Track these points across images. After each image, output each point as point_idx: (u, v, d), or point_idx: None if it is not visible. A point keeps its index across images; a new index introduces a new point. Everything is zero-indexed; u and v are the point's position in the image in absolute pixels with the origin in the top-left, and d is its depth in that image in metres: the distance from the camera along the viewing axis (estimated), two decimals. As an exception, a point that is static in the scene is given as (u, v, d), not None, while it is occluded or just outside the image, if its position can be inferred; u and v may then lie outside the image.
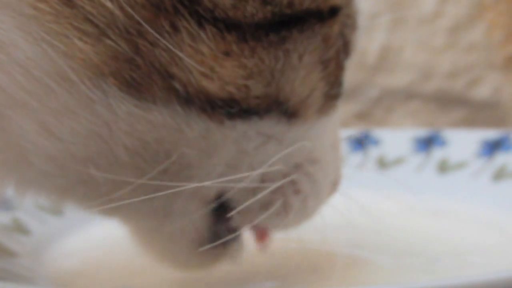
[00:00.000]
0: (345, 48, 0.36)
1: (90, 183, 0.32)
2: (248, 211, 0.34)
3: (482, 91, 0.86)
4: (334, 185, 0.38)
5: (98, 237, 0.47)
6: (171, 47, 0.29)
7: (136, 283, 0.41)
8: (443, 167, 0.61)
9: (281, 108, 0.33)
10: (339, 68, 0.35)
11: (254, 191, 0.34)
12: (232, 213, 0.34)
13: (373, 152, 0.65)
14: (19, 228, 0.49)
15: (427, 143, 0.64)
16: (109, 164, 0.32)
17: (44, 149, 0.31)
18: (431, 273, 0.41)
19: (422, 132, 0.65)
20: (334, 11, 0.33)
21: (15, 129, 0.31)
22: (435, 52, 0.86)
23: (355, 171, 0.62)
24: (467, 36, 0.85)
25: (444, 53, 0.85)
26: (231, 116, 0.31)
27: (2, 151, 0.32)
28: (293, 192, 0.35)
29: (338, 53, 0.35)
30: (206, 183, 0.33)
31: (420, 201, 0.55)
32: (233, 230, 0.36)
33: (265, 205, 0.35)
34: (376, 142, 0.65)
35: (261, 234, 0.39)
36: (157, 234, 0.36)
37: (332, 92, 0.35)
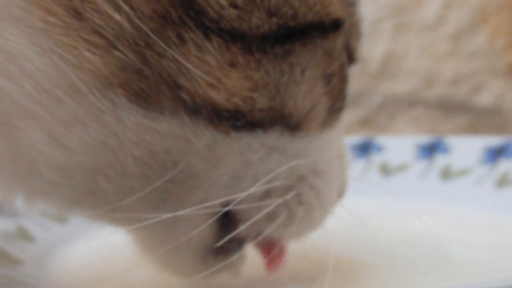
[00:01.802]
0: (350, 56, 0.36)
1: (98, 192, 0.33)
2: (253, 222, 0.35)
3: (485, 98, 0.86)
4: (340, 194, 0.38)
5: (102, 245, 0.47)
6: (178, 57, 0.30)
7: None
8: (446, 174, 0.61)
9: (285, 122, 0.33)
10: (343, 82, 0.35)
11: (259, 203, 0.34)
12: (239, 229, 0.35)
13: (376, 159, 0.65)
14: (24, 236, 0.49)
15: (430, 149, 0.64)
16: (117, 173, 0.32)
17: (53, 159, 0.31)
18: (434, 278, 0.41)
19: (425, 138, 0.65)
20: (337, 25, 0.34)
21: (25, 139, 0.31)
22: (438, 58, 0.86)
23: (358, 178, 0.62)
24: (469, 43, 0.85)
25: (447, 60, 0.85)
26: (237, 128, 0.32)
27: (11, 161, 0.32)
28: (297, 203, 0.35)
29: (342, 67, 0.35)
30: (209, 204, 0.33)
31: (423, 208, 0.55)
32: (238, 241, 0.36)
33: (270, 217, 0.35)
34: (379, 149, 0.66)
35: (273, 258, 0.38)
36: (162, 242, 0.36)
37: (336, 106, 0.35)
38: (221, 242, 0.35)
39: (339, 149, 0.38)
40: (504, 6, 0.85)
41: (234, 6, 0.30)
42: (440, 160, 0.62)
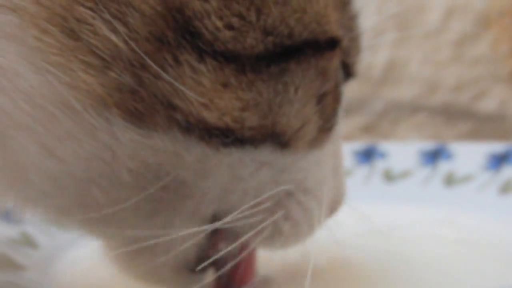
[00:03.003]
0: (348, 71, 0.36)
1: (90, 202, 0.33)
2: (238, 236, 0.35)
3: (488, 104, 0.86)
4: (334, 207, 0.38)
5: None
6: (172, 80, 0.30)
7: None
8: (450, 180, 0.61)
9: (276, 139, 0.33)
10: (336, 101, 0.36)
11: (247, 218, 0.34)
12: (224, 251, 0.35)
13: (380, 165, 0.65)
14: (27, 242, 0.49)
15: (434, 156, 0.64)
16: (111, 183, 0.32)
17: (45, 168, 0.31)
18: (438, 285, 0.41)
19: (428, 145, 0.65)
20: (333, 43, 0.34)
21: (17, 148, 0.31)
22: (441, 65, 0.86)
23: (361, 184, 0.62)
24: (472, 49, 0.85)
25: (449, 67, 0.86)
26: (226, 144, 0.32)
27: (2, 168, 0.32)
28: (284, 219, 0.36)
29: (336, 87, 0.35)
30: (194, 230, 0.33)
31: (427, 214, 0.55)
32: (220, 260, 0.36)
33: (256, 231, 0.35)
34: (382, 155, 0.66)
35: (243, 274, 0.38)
36: (144, 253, 0.36)
37: (326, 126, 0.35)
38: (204, 264, 0.35)
39: (336, 164, 0.38)
40: (507, 13, 0.85)
41: (230, 27, 0.30)
42: (444, 167, 0.62)
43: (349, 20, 0.36)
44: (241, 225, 0.34)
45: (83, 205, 0.33)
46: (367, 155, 0.65)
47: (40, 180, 0.32)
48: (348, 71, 0.37)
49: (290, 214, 0.36)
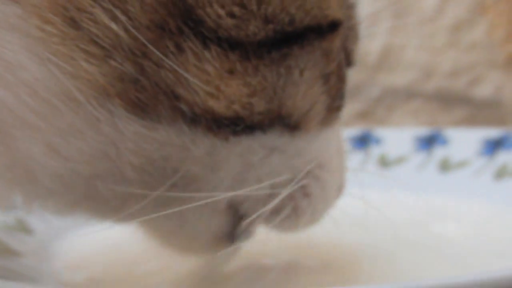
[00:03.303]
0: (347, 59, 0.36)
1: (98, 199, 0.33)
2: (258, 215, 0.35)
3: (484, 90, 0.86)
4: (339, 190, 0.39)
5: (102, 236, 0.47)
6: (176, 67, 0.29)
7: (140, 283, 0.41)
8: (445, 166, 0.61)
9: (284, 122, 0.33)
10: (341, 81, 0.36)
11: (265, 199, 0.34)
12: (245, 224, 0.35)
13: (375, 151, 0.65)
14: (23, 228, 0.49)
15: (429, 142, 0.64)
16: (116, 180, 0.32)
17: (50, 168, 0.31)
18: (434, 267, 0.41)
19: (423, 131, 0.65)
20: (334, 26, 0.34)
21: (22, 148, 0.31)
22: (436, 51, 0.86)
23: (356, 170, 0.62)
24: (468, 35, 0.85)
25: (445, 52, 0.85)
26: (236, 133, 0.32)
27: (9, 169, 0.32)
28: (302, 195, 0.36)
29: (339, 67, 0.35)
30: (217, 197, 0.33)
31: (422, 200, 0.55)
32: (246, 229, 0.36)
33: (276, 210, 0.35)
34: (377, 141, 0.66)
35: None
36: (173, 234, 0.36)
37: (334, 105, 0.35)
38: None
39: (338, 146, 0.38)
40: (503, -2, 0.85)
41: (232, 15, 0.30)
42: (439, 152, 0.63)
43: (348, 8, 0.36)
44: (261, 202, 0.34)
45: (91, 201, 0.33)
46: (363, 141, 0.65)
47: (47, 179, 0.32)
48: (347, 59, 0.37)
49: (308, 190, 0.36)
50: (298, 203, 0.36)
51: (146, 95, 0.30)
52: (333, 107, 0.35)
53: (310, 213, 0.36)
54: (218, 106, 0.31)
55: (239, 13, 0.30)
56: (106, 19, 0.29)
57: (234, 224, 0.36)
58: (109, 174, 0.32)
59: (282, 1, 0.31)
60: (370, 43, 0.84)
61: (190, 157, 0.32)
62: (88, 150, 0.31)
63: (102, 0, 0.29)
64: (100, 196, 0.33)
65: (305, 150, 0.35)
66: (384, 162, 0.64)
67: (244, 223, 0.35)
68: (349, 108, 0.79)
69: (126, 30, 0.29)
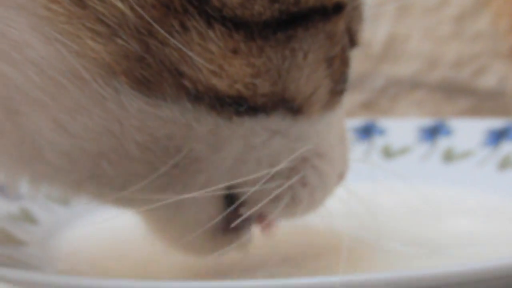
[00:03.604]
0: (351, 39, 0.36)
1: (102, 177, 0.33)
2: (257, 203, 0.35)
3: (488, 80, 0.86)
4: (340, 177, 0.39)
5: (106, 226, 0.47)
6: (180, 46, 0.30)
7: (144, 271, 0.41)
8: (449, 157, 0.61)
9: (287, 105, 0.33)
10: (344, 65, 0.36)
11: (264, 186, 0.35)
12: (246, 214, 0.35)
13: (378, 142, 0.65)
14: (27, 217, 0.50)
15: (433, 132, 0.64)
16: (121, 158, 0.32)
17: (58, 145, 0.32)
18: (435, 261, 0.41)
19: (427, 121, 0.65)
20: (338, 8, 0.34)
21: (30, 125, 0.32)
22: (441, 41, 0.85)
23: (360, 161, 0.62)
24: (472, 25, 0.85)
25: (449, 42, 0.85)
26: (239, 113, 0.32)
27: (17, 147, 0.33)
28: (301, 185, 0.36)
29: (343, 50, 0.35)
30: (214, 188, 0.34)
31: (426, 190, 0.55)
32: (245, 220, 0.36)
33: (274, 198, 0.35)
34: (381, 132, 0.66)
35: (267, 223, 0.39)
36: (171, 223, 0.36)
37: (337, 89, 0.35)
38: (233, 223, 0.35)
39: (341, 132, 0.38)
40: (508, -12, 0.84)
41: None
42: (443, 143, 0.63)
43: None
44: (260, 194, 0.34)
45: (96, 180, 0.33)
46: (366, 132, 0.65)
47: (54, 157, 0.32)
48: (352, 40, 0.37)
49: (306, 179, 0.36)
50: (297, 192, 0.36)
51: (151, 73, 0.30)
52: (336, 91, 0.35)
53: (308, 201, 0.37)
54: (221, 84, 0.31)
55: None
56: None
57: (233, 213, 0.36)
58: (114, 151, 0.32)
59: None
60: (374, 33, 0.84)
61: (193, 135, 0.32)
62: (93, 127, 0.31)
63: None
64: (105, 175, 0.33)
65: (307, 134, 0.35)
66: (388, 153, 0.64)
67: (242, 210, 0.35)
68: (353, 98, 0.79)
69: (131, 8, 0.29)
